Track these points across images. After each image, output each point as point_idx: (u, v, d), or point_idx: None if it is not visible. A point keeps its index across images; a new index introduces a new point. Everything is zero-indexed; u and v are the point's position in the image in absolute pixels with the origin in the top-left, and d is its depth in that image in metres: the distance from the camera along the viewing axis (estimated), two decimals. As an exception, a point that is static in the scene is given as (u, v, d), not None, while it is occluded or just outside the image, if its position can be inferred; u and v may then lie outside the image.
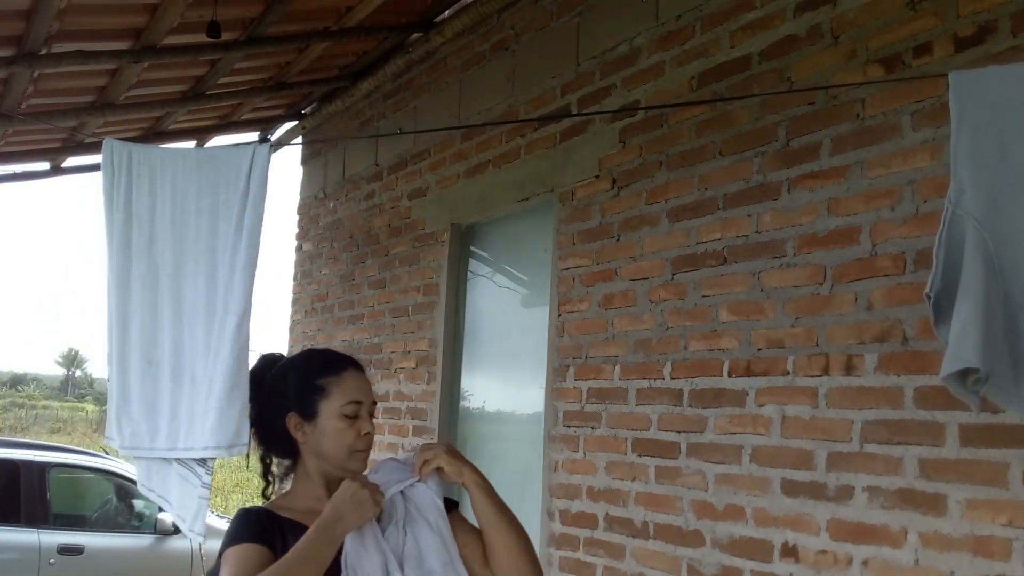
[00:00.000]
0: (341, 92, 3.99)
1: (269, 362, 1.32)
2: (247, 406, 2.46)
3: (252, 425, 1.32)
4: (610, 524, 2.40)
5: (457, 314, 3.29)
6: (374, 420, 1.27)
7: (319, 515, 1.15)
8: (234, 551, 1.13)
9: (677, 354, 2.25)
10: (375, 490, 1.17)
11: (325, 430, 1.21)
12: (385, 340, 3.62)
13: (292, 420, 1.23)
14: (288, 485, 1.29)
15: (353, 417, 1.22)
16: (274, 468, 1.29)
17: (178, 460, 2.48)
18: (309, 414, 1.22)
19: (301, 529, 1.15)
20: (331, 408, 1.21)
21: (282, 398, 1.24)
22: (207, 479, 2.49)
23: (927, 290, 1.38)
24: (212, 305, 2.50)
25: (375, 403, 1.28)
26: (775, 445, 1.99)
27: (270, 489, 1.29)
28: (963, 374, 1.33)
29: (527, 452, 2.77)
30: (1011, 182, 1.37)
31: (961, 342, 1.30)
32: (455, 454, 1.24)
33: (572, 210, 2.68)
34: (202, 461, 2.48)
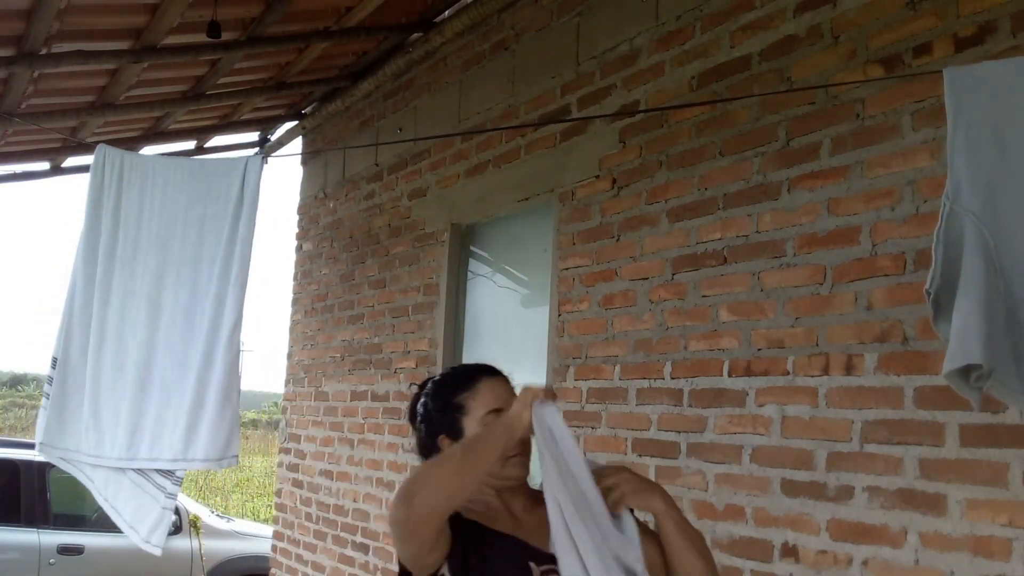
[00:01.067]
0: (341, 92, 3.99)
1: (423, 388, 1.34)
2: (238, 418, 2.45)
3: (418, 452, 1.31)
4: (610, 524, 2.39)
5: (457, 314, 3.29)
6: None
7: (499, 520, 1.19)
8: None
9: (677, 354, 2.25)
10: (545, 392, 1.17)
11: None
12: (385, 340, 3.62)
13: (444, 443, 1.25)
14: None
15: None
16: None
17: (136, 471, 2.45)
18: (456, 434, 1.24)
19: (489, 530, 1.17)
20: (473, 423, 1.22)
21: (431, 424, 1.27)
22: (173, 490, 2.45)
23: (927, 287, 1.38)
24: (193, 316, 2.48)
25: None
26: (775, 445, 1.99)
27: None
28: (965, 371, 1.32)
29: (527, 452, 2.76)
30: (1008, 176, 1.36)
31: (963, 338, 1.29)
32: (638, 480, 1.20)
33: (572, 210, 2.68)
34: (168, 473, 2.44)
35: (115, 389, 2.51)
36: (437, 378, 1.32)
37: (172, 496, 2.46)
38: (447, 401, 1.26)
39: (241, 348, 2.43)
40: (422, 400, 1.30)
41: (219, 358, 2.41)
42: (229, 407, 2.41)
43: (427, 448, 1.28)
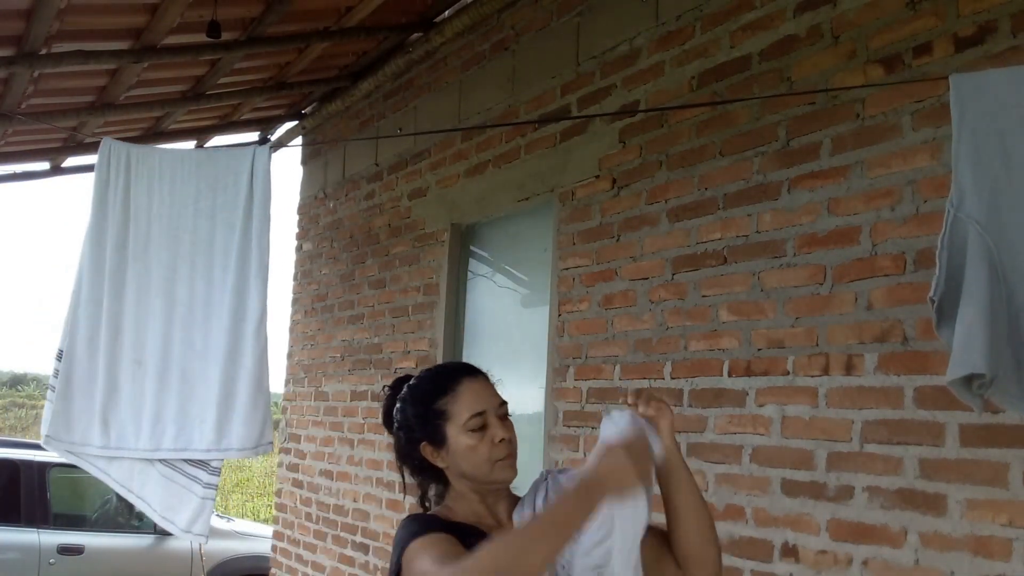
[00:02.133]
0: (341, 92, 3.99)
1: (396, 390, 1.27)
2: (270, 406, 2.46)
3: (397, 458, 1.25)
4: (610, 524, 2.39)
5: (457, 314, 3.28)
6: (508, 419, 1.20)
7: (484, 523, 1.16)
8: (424, 540, 1.07)
9: (677, 354, 2.25)
10: (642, 460, 1.06)
11: (458, 451, 1.17)
12: (385, 340, 3.62)
13: (427, 450, 1.20)
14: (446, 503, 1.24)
15: (481, 429, 1.17)
16: (430, 493, 1.26)
17: (162, 461, 2.46)
18: (438, 441, 1.18)
19: (475, 530, 1.13)
20: (456, 428, 1.17)
21: (411, 431, 1.21)
22: (211, 480, 2.47)
23: (931, 294, 1.38)
24: (210, 308, 2.49)
25: (503, 403, 1.21)
26: (775, 445, 1.99)
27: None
28: (968, 378, 1.32)
29: (527, 452, 2.76)
30: (1012, 184, 1.36)
31: (966, 347, 1.30)
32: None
33: (572, 210, 2.68)
34: (201, 463, 2.46)
35: (134, 382, 2.52)
36: (413, 382, 1.24)
37: (211, 486, 2.47)
38: (427, 408, 1.19)
39: (267, 339, 2.44)
40: (398, 406, 1.23)
41: (248, 350, 2.43)
42: (261, 397, 2.45)
43: (408, 456, 1.23)
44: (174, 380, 2.49)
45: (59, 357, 2.60)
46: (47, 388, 2.67)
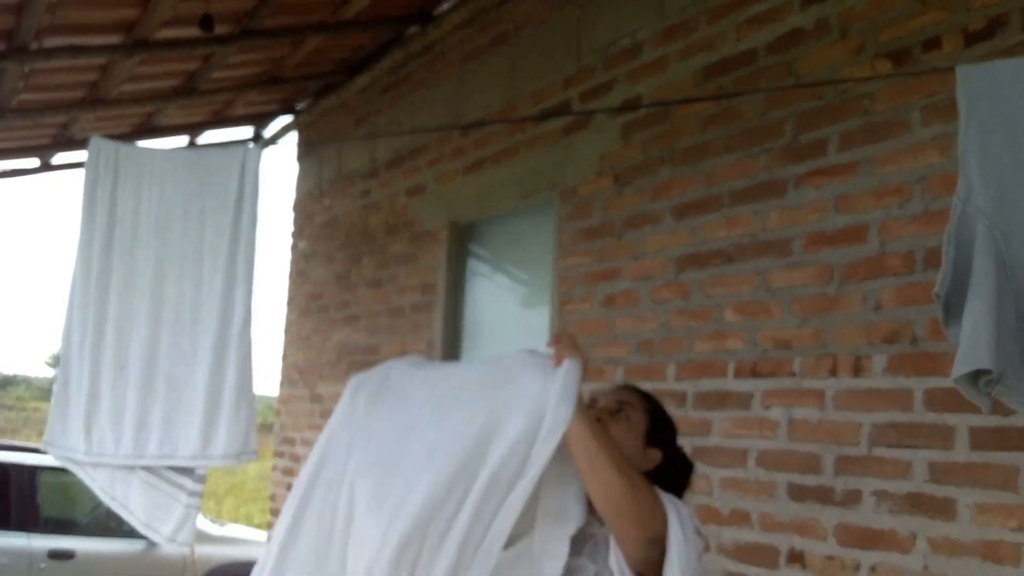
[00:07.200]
0: (337, 87, 3.95)
1: None
2: (254, 413, 2.41)
3: None
4: (611, 528, 2.35)
5: (456, 314, 3.24)
6: (617, 417, 1.33)
7: None
8: None
9: (681, 355, 2.22)
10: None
11: None
12: (382, 341, 3.57)
13: None
14: None
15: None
16: None
17: (145, 468, 2.41)
18: None
19: None
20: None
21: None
22: (196, 488, 2.41)
23: (936, 289, 1.35)
24: (199, 312, 2.43)
25: (620, 403, 1.34)
26: (782, 448, 1.95)
27: None
28: (975, 375, 1.30)
29: (526, 454, 2.72)
30: (1021, 178, 1.33)
31: (973, 343, 1.27)
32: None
33: (574, 208, 2.63)
34: (186, 470, 2.41)
35: (115, 387, 2.47)
36: None
37: (195, 494, 2.43)
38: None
39: (252, 344, 2.40)
40: None
41: (232, 355, 2.39)
42: (245, 403, 2.39)
43: None
44: (160, 385, 2.44)
45: (57, 362, 2.56)
46: (49, 392, 2.63)
